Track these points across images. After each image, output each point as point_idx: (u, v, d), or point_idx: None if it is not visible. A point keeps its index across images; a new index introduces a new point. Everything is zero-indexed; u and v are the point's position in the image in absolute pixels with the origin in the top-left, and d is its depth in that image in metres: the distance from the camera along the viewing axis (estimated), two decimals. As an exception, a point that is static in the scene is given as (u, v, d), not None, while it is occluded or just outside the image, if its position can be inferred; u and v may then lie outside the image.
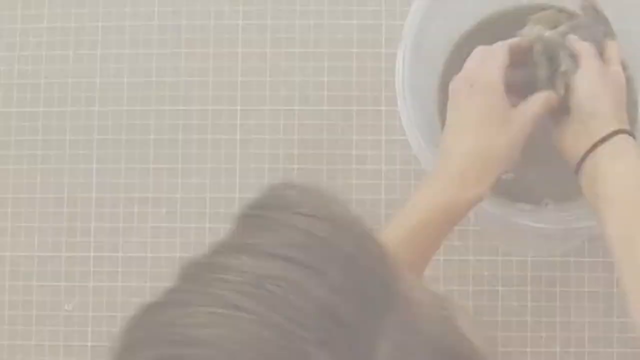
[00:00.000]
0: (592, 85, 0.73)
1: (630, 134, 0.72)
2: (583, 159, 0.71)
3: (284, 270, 0.38)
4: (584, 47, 0.75)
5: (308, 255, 0.39)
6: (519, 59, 0.76)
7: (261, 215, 0.42)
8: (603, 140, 0.70)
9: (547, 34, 0.77)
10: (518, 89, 0.75)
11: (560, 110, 0.75)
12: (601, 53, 0.76)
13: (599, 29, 0.79)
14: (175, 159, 1.02)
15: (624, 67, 0.79)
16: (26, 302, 1.02)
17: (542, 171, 0.83)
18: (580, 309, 0.97)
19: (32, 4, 1.06)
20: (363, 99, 1.01)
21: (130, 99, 1.03)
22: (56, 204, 1.02)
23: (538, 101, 0.74)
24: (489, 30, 0.93)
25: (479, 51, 0.75)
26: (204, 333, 0.37)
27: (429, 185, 0.73)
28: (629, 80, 0.94)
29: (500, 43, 0.75)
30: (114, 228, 1.02)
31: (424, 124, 0.86)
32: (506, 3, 0.92)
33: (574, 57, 0.75)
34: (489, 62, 0.74)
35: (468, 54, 0.80)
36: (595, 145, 0.71)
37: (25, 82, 1.04)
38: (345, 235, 0.41)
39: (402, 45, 0.85)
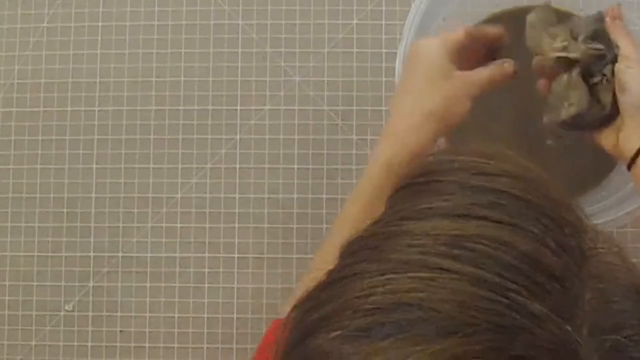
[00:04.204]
0: None
1: None
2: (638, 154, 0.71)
3: (480, 228, 0.38)
4: (629, 42, 0.74)
5: (501, 212, 0.39)
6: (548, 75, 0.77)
7: (432, 181, 0.42)
8: None
9: (577, 53, 0.75)
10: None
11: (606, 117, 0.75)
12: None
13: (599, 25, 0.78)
14: (175, 159, 1.02)
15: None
16: (26, 302, 1.02)
17: (548, 170, 0.83)
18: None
19: (32, 4, 1.06)
20: (363, 99, 1.01)
21: (130, 99, 1.03)
22: (56, 204, 1.02)
23: (489, 69, 0.76)
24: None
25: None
26: (410, 297, 0.36)
27: (373, 153, 0.76)
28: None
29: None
30: (114, 228, 1.02)
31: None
32: (506, 3, 0.92)
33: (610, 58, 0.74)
34: (444, 34, 0.76)
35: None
36: None
37: (25, 82, 1.04)
38: (530, 187, 0.41)
39: (402, 45, 0.85)
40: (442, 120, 0.74)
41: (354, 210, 0.75)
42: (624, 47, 0.73)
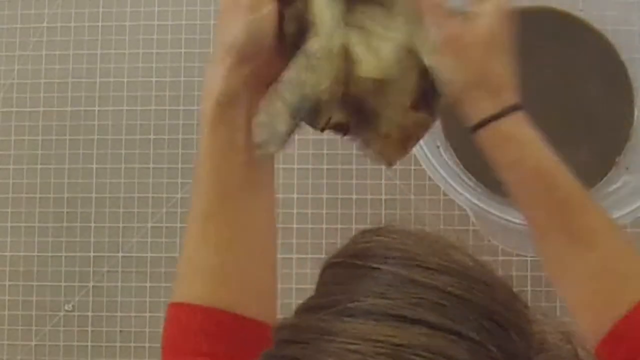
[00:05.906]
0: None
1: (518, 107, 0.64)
2: (482, 125, 0.63)
3: (419, 337, 0.36)
4: (434, 23, 0.62)
5: (442, 315, 0.36)
6: None
7: (368, 267, 0.39)
8: (504, 112, 0.62)
9: None
10: None
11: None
12: None
13: None
14: (175, 159, 1.02)
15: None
16: (26, 302, 1.02)
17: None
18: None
19: (32, 4, 1.06)
20: (363, 99, 1.01)
21: (130, 99, 1.03)
22: (56, 204, 1.02)
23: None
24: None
25: None
26: None
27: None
28: (630, 80, 0.94)
29: None
30: (114, 228, 1.02)
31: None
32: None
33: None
34: None
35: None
36: (498, 115, 0.62)
37: (25, 82, 1.04)
38: (475, 287, 0.38)
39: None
40: (239, 50, 0.58)
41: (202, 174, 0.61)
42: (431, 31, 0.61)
